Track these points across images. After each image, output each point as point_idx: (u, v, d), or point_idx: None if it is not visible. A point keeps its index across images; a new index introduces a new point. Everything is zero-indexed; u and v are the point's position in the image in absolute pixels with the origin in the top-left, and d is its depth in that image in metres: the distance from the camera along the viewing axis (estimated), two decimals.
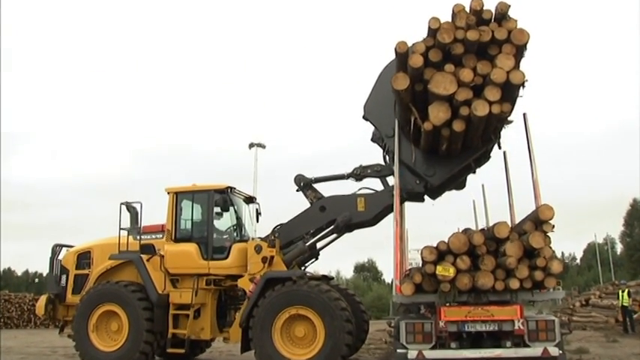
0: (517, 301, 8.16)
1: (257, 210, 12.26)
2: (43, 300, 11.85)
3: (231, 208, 11.24)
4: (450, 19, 8.47)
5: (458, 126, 8.52)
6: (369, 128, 10.72)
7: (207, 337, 10.95)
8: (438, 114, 8.45)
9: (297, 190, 11.22)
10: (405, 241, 11.54)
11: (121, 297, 10.61)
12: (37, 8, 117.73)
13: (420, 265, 8.64)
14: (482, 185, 12.75)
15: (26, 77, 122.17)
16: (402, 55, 8.62)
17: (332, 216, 10.63)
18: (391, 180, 10.53)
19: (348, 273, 71.26)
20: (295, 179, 11.23)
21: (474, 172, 11.29)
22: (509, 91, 8.45)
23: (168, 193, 11.31)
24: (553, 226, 8.08)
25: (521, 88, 8.48)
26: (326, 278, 11.59)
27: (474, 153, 9.82)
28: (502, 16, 8.43)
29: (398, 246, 8.80)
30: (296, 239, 10.78)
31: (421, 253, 8.28)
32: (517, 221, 9.52)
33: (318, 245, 11.22)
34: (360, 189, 10.86)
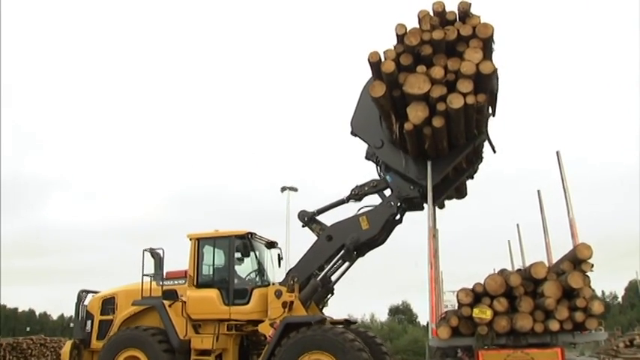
0: (558, 343, 7.89)
1: (279, 255, 12.32)
2: (68, 346, 11.99)
3: (252, 254, 11.42)
4: (417, 26, 8.90)
5: (437, 122, 8.77)
6: None
7: None
8: (416, 113, 8.74)
9: (303, 226, 11.33)
10: (440, 284, 11.41)
11: (143, 342, 10.69)
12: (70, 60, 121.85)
13: (456, 308, 8.51)
14: (517, 225, 12.61)
15: (62, 124, 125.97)
16: (376, 64, 9.00)
17: (340, 242, 10.64)
18: (388, 192, 10.78)
19: (382, 316, 70.20)
20: (299, 215, 11.38)
21: (472, 178, 11.52)
22: (482, 82, 8.74)
23: (190, 239, 11.48)
24: (592, 266, 7.88)
25: (495, 79, 8.90)
26: (348, 322, 11.56)
27: (461, 152, 10.00)
28: (465, 14, 8.88)
29: (433, 288, 8.67)
30: (309, 277, 10.77)
31: (457, 296, 8.13)
32: (554, 261, 9.34)
33: (333, 278, 11.21)
34: (360, 209, 10.92)
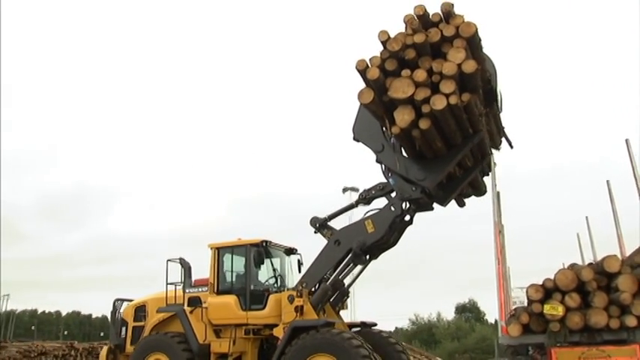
0: (636, 339, 7.61)
1: (299, 260, 12.62)
2: (104, 351, 12.88)
3: (268, 261, 11.87)
4: (404, 30, 9.04)
5: (424, 124, 8.88)
6: None
7: None
8: (403, 117, 8.89)
9: (315, 232, 11.61)
10: (508, 280, 11.26)
11: (167, 347, 11.34)
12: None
13: (526, 305, 8.34)
14: (587, 217, 12.26)
15: (123, 135, 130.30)
16: (363, 71, 9.15)
17: (347, 246, 10.82)
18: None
19: (449, 314, 69.33)
20: (311, 222, 11.65)
21: (487, 174, 11.43)
22: (467, 81, 8.82)
23: (211, 248, 12.02)
24: None
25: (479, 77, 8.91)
26: (365, 325, 11.82)
27: (459, 151, 10.01)
28: (448, 14, 8.93)
29: (501, 285, 8.57)
30: (319, 282, 11.03)
31: (527, 292, 8.03)
32: (627, 253, 9.06)
33: (347, 281, 11.44)
34: (367, 212, 11.09)
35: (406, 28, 9.00)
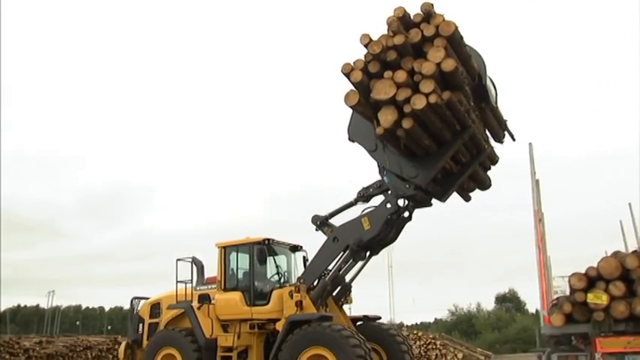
0: None
1: (304, 257, 12.99)
2: (123, 346, 13.62)
3: (271, 258, 12.28)
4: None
5: (406, 124, 9.02)
6: None
7: None
8: (386, 117, 9.09)
9: (316, 230, 11.93)
10: (549, 269, 11.16)
11: (176, 342, 11.88)
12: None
13: (568, 294, 8.23)
14: (630, 204, 12.05)
15: (158, 132, 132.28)
16: (348, 75, 9.37)
17: (345, 243, 11.10)
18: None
19: (489, 304, 68.69)
20: (312, 219, 11.98)
21: (489, 168, 11.79)
22: (450, 80, 9.00)
23: (218, 247, 12.50)
24: None
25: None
26: (367, 318, 12.14)
27: (449, 147, 10.08)
28: (428, 14, 9.07)
29: (543, 274, 8.57)
30: (318, 278, 11.35)
31: (569, 281, 7.97)
32: None
33: (348, 276, 11.71)
34: (364, 209, 11.31)
35: (388, 30, 9.17)
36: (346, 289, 11.84)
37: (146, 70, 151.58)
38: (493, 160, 12.00)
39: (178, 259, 12.56)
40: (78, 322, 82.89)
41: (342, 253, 11.20)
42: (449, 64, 8.67)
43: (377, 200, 11.38)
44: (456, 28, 8.96)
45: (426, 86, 8.68)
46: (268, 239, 12.12)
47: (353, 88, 9.40)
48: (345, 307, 12.24)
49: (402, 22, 9.12)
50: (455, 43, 9.13)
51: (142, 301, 13.91)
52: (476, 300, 71.94)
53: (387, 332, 11.79)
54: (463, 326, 60.14)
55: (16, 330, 66.20)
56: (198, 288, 12.59)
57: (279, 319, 11.19)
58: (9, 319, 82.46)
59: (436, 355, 33.36)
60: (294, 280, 12.35)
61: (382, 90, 8.99)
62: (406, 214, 11.35)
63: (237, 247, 12.27)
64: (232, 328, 11.71)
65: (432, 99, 8.65)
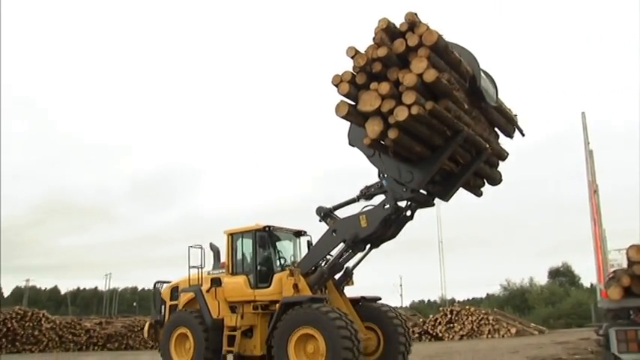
0: None
1: (308, 242, 13.57)
2: (147, 326, 14.94)
3: (272, 243, 12.97)
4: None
5: (392, 134, 9.27)
6: None
7: (258, 354, 12.28)
8: (373, 128, 9.38)
9: (320, 221, 12.51)
10: (604, 242, 10.93)
11: (188, 322, 12.85)
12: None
13: (626, 267, 8.11)
14: None
15: (204, 114, 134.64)
16: (337, 86, 9.65)
17: (342, 237, 11.57)
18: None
19: (542, 279, 67.73)
20: (316, 211, 12.56)
21: (497, 165, 12.02)
22: (435, 88, 9.16)
23: (225, 234, 13.34)
24: None
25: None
26: (365, 299, 12.62)
27: (443, 152, 10.22)
28: (412, 24, 9.22)
29: (599, 247, 8.44)
30: (315, 266, 11.93)
31: (627, 253, 7.76)
32: None
33: (351, 263, 12.18)
34: (365, 207, 11.70)
35: (373, 40, 9.37)
36: (347, 275, 12.38)
37: (189, 54, 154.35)
38: (501, 156, 12.10)
39: (190, 247, 13.32)
40: (135, 304, 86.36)
41: (340, 244, 11.69)
42: (430, 75, 8.84)
43: (379, 198, 11.67)
44: (439, 37, 9.08)
45: (408, 98, 8.89)
46: (269, 226, 12.80)
47: (342, 100, 9.66)
48: (349, 289, 12.80)
49: (387, 32, 9.31)
50: (440, 51, 9.27)
51: (164, 285, 14.96)
52: (528, 274, 70.96)
53: (385, 314, 12.25)
54: (516, 301, 59.77)
55: (77, 312, 70.09)
56: (213, 272, 13.46)
57: (279, 301, 11.84)
58: (70, 301, 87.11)
59: (489, 330, 33.53)
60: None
61: (368, 101, 9.28)
62: (408, 213, 11.64)
63: (242, 234, 13.03)
64: (238, 309, 12.50)
65: (414, 110, 8.85)
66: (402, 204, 11.37)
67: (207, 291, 12.89)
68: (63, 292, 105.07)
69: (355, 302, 12.47)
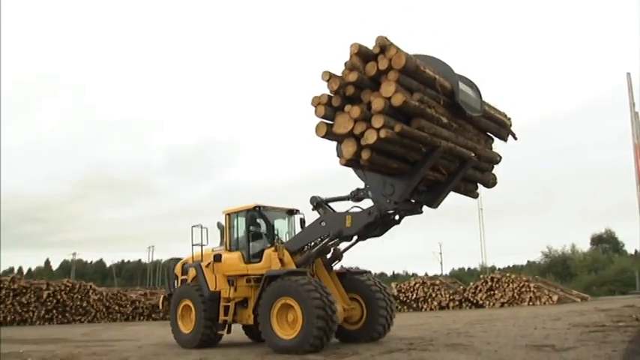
0: None
1: (301, 219, 14.38)
2: (161, 299, 16.42)
3: (263, 221, 13.98)
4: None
5: (365, 155, 9.69)
6: None
7: (252, 323, 13.12)
8: (347, 149, 9.84)
9: (312, 209, 13.36)
10: None
11: (190, 294, 13.99)
12: None
13: None
14: None
15: (247, 87, 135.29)
16: (316, 108, 10.09)
17: (328, 229, 12.28)
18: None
19: (584, 246, 66.52)
20: (310, 200, 13.36)
21: (490, 169, 12.36)
22: (407, 110, 9.49)
23: (223, 214, 14.38)
24: None
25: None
26: (350, 272, 13.46)
27: (421, 166, 10.55)
28: (383, 47, 9.54)
29: None
30: (305, 246, 12.76)
31: None
32: None
33: (342, 247, 13.02)
34: (352, 207, 12.28)
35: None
36: (336, 257, 13.19)
37: (226, 26, 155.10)
38: (492, 161, 12.37)
39: (193, 226, 14.35)
40: None
41: (323, 236, 12.40)
42: (397, 99, 9.18)
43: (369, 201, 12.10)
44: (408, 60, 9.33)
45: (377, 121, 9.27)
46: (259, 206, 13.78)
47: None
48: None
49: (360, 56, 9.67)
50: (411, 72, 9.54)
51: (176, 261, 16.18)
52: (570, 241, 69.93)
53: (367, 286, 13.01)
54: (557, 268, 59.07)
55: (122, 283, 73.10)
56: (216, 248, 14.50)
57: None
58: (115, 273, 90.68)
59: (530, 298, 33.41)
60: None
61: (342, 124, 9.73)
62: (397, 217, 12.02)
63: (237, 214, 14.05)
64: (235, 282, 13.54)
65: (382, 134, 9.22)
66: (391, 211, 11.73)
67: (207, 266, 14.03)
68: (108, 264, 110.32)
69: (341, 275, 13.32)
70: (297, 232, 13.93)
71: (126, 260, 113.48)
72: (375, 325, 12.66)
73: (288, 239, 13.80)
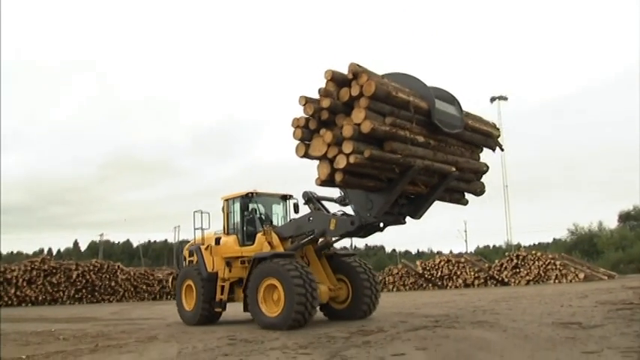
0: None
1: (295, 204, 15.05)
2: (170, 279, 17.84)
3: (256, 206, 14.80)
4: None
5: (338, 177, 10.17)
6: None
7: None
8: (322, 170, 10.33)
9: (304, 204, 14.22)
10: None
11: (191, 275, 15.12)
12: None
13: None
14: None
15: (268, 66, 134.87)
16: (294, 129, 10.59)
17: (313, 227, 12.89)
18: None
19: (611, 223, 65.30)
20: (302, 194, 14.20)
21: (477, 179, 12.64)
22: (372, 137, 9.83)
23: (222, 200, 15.30)
24: None
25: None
26: (337, 255, 14.05)
27: (397, 184, 10.88)
28: (355, 74, 9.91)
29: None
30: (292, 236, 13.48)
31: None
32: None
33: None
34: (338, 211, 13.04)
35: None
36: (327, 245, 13.74)
37: (248, 6, 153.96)
38: (478, 171, 12.59)
39: (195, 211, 15.30)
40: None
41: (308, 231, 13.02)
42: (366, 126, 9.57)
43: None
44: (378, 86, 9.65)
45: (347, 147, 9.70)
46: (252, 192, 14.71)
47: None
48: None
49: (334, 81, 10.08)
50: (382, 98, 9.86)
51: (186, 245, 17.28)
52: (597, 219, 68.82)
53: (353, 267, 13.71)
54: (584, 246, 58.39)
55: (149, 263, 75.03)
56: (217, 232, 15.41)
57: None
58: (142, 253, 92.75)
59: (556, 275, 33.53)
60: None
61: (317, 147, 10.24)
62: (381, 225, 12.36)
63: (233, 200, 14.96)
64: (231, 264, 14.53)
65: (352, 159, 9.67)
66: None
67: (206, 249, 15.09)
68: (135, 245, 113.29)
69: (329, 257, 14.02)
70: (291, 217, 14.84)
71: (152, 240, 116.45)
72: (360, 305, 13.40)
73: (283, 223, 14.74)
